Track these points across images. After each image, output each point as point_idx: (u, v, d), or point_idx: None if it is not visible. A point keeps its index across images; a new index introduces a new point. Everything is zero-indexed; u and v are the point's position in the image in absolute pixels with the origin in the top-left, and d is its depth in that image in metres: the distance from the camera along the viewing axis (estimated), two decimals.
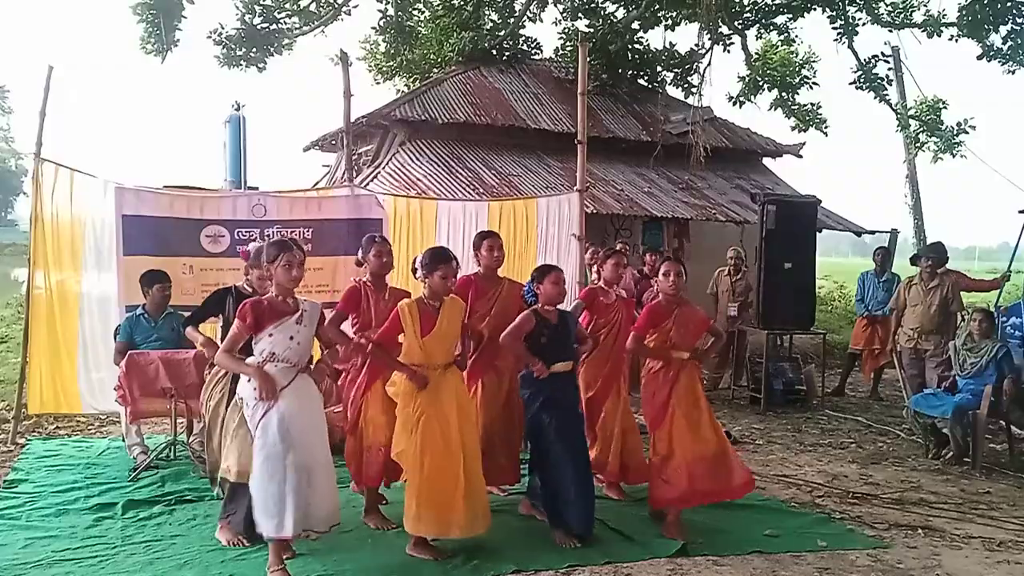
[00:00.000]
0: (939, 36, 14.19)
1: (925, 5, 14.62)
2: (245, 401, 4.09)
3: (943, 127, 14.63)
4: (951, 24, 13.97)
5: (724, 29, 15.01)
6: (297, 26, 15.66)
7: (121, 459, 6.14)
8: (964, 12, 13.61)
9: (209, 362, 5.05)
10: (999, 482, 6.16)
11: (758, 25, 15.65)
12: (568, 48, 15.56)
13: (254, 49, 14.85)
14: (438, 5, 16.96)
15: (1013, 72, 14.01)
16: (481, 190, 11.32)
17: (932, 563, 4.48)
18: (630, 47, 15.27)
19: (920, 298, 7.93)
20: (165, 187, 7.33)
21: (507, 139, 13.07)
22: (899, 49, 17.08)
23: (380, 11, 16.65)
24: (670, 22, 15.74)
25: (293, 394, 4.02)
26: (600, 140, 12.55)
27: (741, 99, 15.21)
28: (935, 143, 14.74)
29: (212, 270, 6.81)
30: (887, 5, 14.83)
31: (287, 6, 15.53)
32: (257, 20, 14.85)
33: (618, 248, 7.85)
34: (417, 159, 12.13)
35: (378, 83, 18.87)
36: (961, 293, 8.10)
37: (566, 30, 16.44)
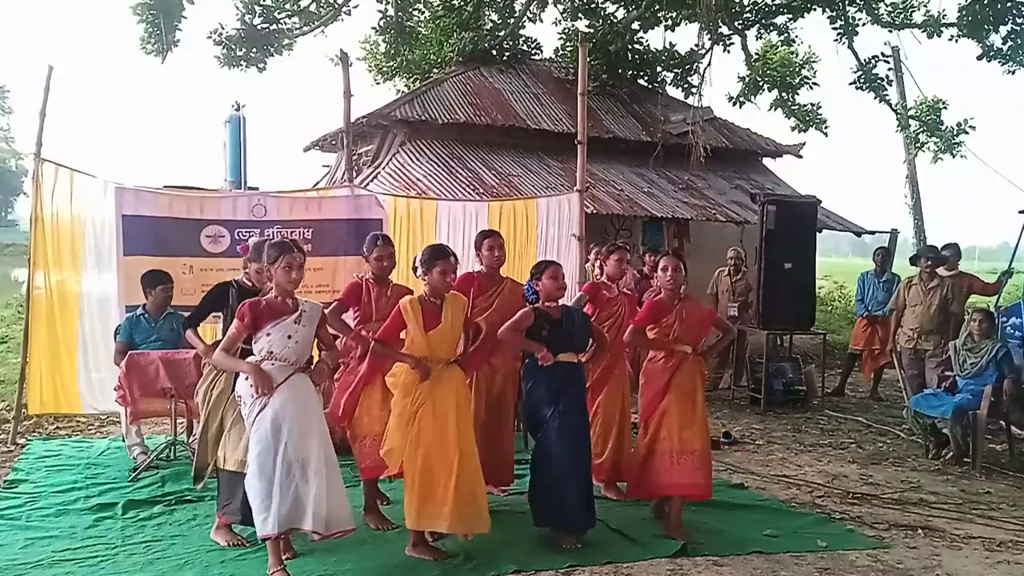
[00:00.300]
0: (939, 36, 14.20)
1: (925, 5, 14.67)
2: (243, 399, 4.10)
3: (943, 127, 14.65)
4: (951, 24, 13.98)
5: (724, 29, 15.02)
6: (297, 26, 15.65)
7: (121, 459, 6.14)
8: (964, 12, 13.61)
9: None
10: (999, 482, 6.16)
11: (758, 25, 15.65)
12: (568, 48, 15.56)
13: (254, 49, 14.84)
14: (438, 5, 16.95)
15: (1013, 72, 14.03)
16: (481, 190, 11.32)
17: (932, 563, 4.48)
18: (630, 47, 15.27)
19: (920, 298, 7.93)
20: (165, 187, 7.32)
21: (507, 139, 13.07)
22: (899, 49, 17.12)
23: (380, 11, 16.67)
24: (670, 22, 15.75)
25: (288, 390, 4.03)
26: (600, 140, 12.54)
27: (741, 99, 15.24)
28: (935, 143, 14.76)
29: (212, 270, 6.79)
30: (887, 5, 14.84)
31: (287, 6, 15.53)
32: (257, 20, 14.84)
33: (620, 244, 7.85)
34: (417, 159, 12.13)
35: (378, 83, 18.91)
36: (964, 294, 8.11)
37: (566, 30, 16.45)
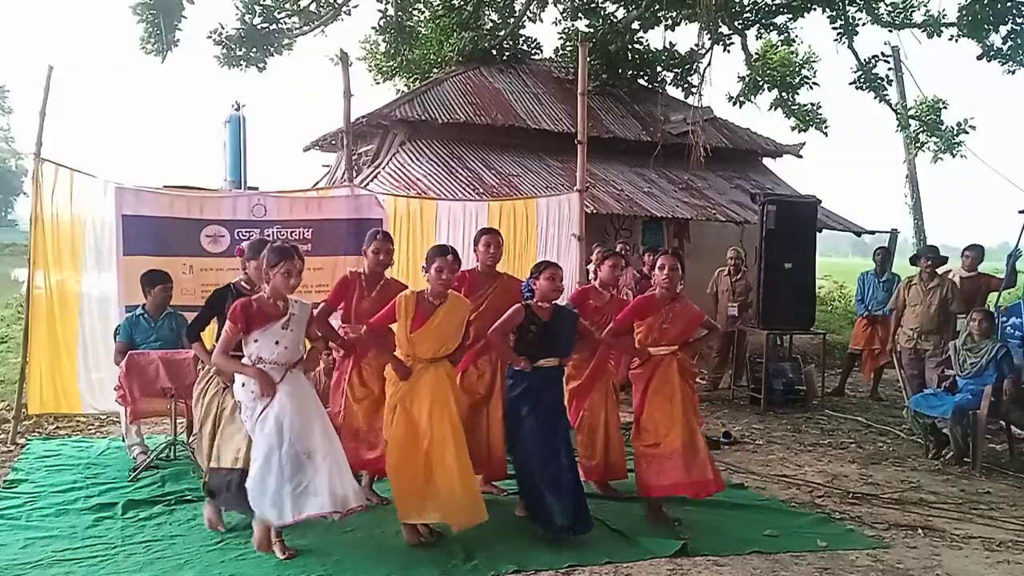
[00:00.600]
0: (939, 36, 14.19)
1: (925, 5, 14.66)
2: (243, 403, 4.16)
3: (943, 127, 14.63)
4: (951, 24, 13.97)
5: (724, 29, 15.02)
6: (297, 26, 15.65)
7: (121, 459, 6.14)
8: (964, 12, 13.60)
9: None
10: (999, 482, 6.17)
11: (758, 25, 15.64)
12: (568, 48, 15.56)
13: (254, 49, 14.84)
14: (438, 5, 16.95)
15: (1013, 72, 14.01)
16: (481, 190, 11.32)
17: (932, 563, 4.48)
18: (630, 47, 15.26)
19: (920, 298, 7.94)
20: (165, 187, 7.32)
21: (507, 139, 13.06)
22: (899, 49, 17.13)
23: (380, 11, 16.67)
24: (670, 22, 15.73)
25: (285, 389, 4.16)
26: (600, 140, 12.55)
27: (741, 99, 15.22)
28: (935, 143, 14.74)
29: (212, 270, 6.80)
30: (887, 5, 14.83)
31: (287, 6, 15.52)
32: (257, 20, 14.84)
33: (617, 250, 7.85)
34: (417, 159, 12.13)
35: (378, 83, 18.91)
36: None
37: (566, 30, 16.44)
